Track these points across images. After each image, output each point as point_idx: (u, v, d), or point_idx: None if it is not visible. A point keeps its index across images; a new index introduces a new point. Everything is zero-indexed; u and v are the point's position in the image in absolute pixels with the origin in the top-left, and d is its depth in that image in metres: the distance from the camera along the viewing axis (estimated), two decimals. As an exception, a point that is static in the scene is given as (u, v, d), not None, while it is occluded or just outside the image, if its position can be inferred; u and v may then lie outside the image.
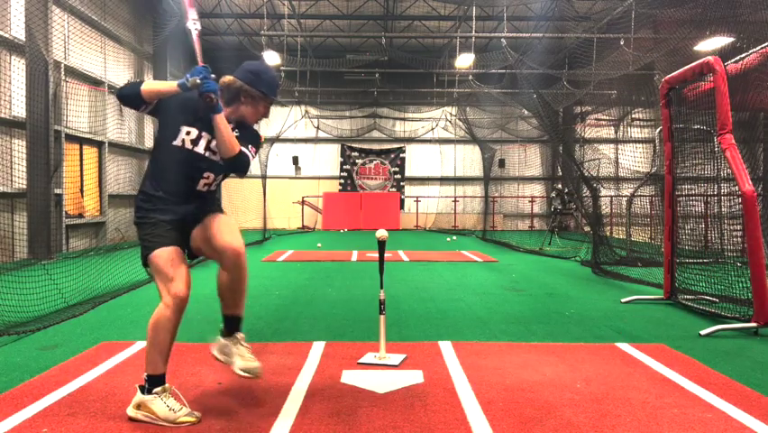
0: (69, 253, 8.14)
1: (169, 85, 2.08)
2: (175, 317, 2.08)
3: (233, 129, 2.18)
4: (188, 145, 2.17)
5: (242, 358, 2.25)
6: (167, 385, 2.11)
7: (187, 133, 2.16)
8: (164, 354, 2.10)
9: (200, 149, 2.19)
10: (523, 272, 6.62)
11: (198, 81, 2.00)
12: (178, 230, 2.19)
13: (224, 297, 2.27)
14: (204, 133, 2.18)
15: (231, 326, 2.32)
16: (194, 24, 2.15)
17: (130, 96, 2.10)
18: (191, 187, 2.22)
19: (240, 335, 2.32)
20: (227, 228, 2.21)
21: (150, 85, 2.10)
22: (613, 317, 3.99)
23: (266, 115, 2.32)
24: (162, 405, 2.06)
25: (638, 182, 7.56)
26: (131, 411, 2.10)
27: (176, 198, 2.19)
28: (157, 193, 2.19)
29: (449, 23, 13.55)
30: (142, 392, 2.10)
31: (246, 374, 2.23)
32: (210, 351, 2.41)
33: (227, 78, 2.23)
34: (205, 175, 2.22)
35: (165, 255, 2.10)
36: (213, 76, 2.04)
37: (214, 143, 2.18)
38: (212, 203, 2.32)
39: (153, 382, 2.09)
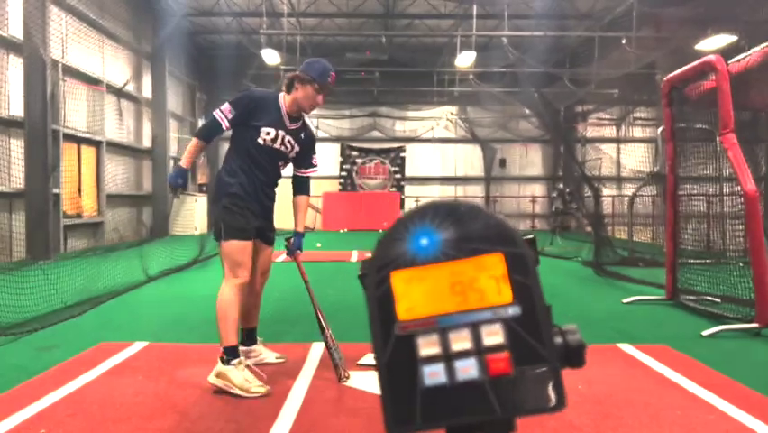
0: (68, 253, 8.11)
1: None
2: (239, 295, 2.43)
3: (298, 130, 2.65)
4: (269, 143, 2.58)
5: (270, 352, 2.79)
6: (242, 358, 2.39)
7: (267, 134, 2.56)
8: (235, 326, 2.40)
9: (278, 145, 2.61)
10: (523, 272, 6.59)
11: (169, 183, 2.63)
12: (255, 222, 2.55)
13: (250, 314, 2.69)
14: (280, 132, 2.59)
15: (253, 334, 2.76)
16: None
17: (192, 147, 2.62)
18: (275, 175, 2.66)
19: (260, 339, 2.80)
20: (270, 258, 2.78)
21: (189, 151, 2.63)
22: (615, 317, 3.97)
23: (320, 101, 2.65)
24: (239, 375, 2.32)
25: (640, 182, 7.53)
26: (212, 379, 2.34)
27: (259, 188, 2.57)
28: (247, 185, 2.53)
29: (449, 21, 13.51)
30: (222, 363, 2.33)
31: (281, 360, 2.77)
32: (246, 364, 2.52)
33: (290, 73, 2.70)
34: (280, 163, 2.66)
35: (240, 247, 2.45)
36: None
37: (287, 139, 2.62)
38: (273, 226, 2.75)
39: (230, 353, 2.35)
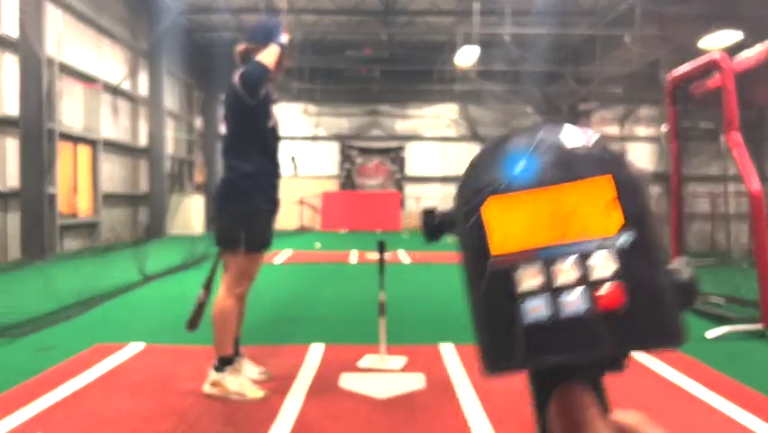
0: (63, 253, 8.05)
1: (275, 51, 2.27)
2: (239, 306, 2.35)
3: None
4: (273, 124, 2.38)
5: (254, 366, 2.60)
6: (236, 365, 2.33)
7: (274, 114, 2.38)
8: (231, 337, 2.32)
9: (273, 123, 2.39)
10: (524, 272, 6.56)
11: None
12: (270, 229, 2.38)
13: (239, 324, 2.51)
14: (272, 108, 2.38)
15: (237, 346, 2.54)
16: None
17: (264, 78, 2.23)
18: (277, 156, 2.42)
19: (241, 350, 2.59)
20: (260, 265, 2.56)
21: (269, 60, 2.24)
22: (617, 318, 3.94)
23: (287, 63, 2.39)
24: (234, 381, 2.28)
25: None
26: (207, 388, 2.30)
27: (275, 177, 2.37)
28: (262, 180, 2.31)
29: (450, 18, 13.44)
30: (217, 371, 2.30)
31: (264, 376, 2.55)
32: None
33: (237, 47, 2.38)
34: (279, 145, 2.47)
35: (258, 260, 2.35)
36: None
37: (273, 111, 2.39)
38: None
39: (224, 361, 2.30)
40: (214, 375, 2.30)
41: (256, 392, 2.29)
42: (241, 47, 2.35)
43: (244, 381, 2.32)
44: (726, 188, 4.12)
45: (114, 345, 3.13)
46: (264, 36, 2.30)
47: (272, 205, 2.37)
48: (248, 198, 2.24)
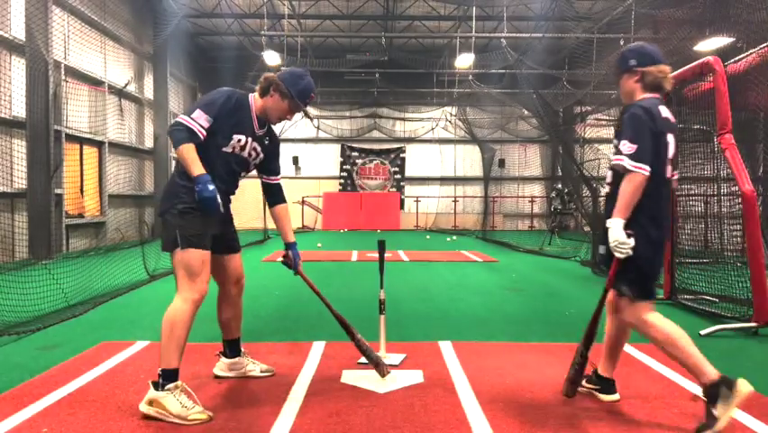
0: (70, 252, 8.13)
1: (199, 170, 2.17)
2: (193, 313, 2.17)
3: (263, 136, 2.43)
4: (238, 150, 2.34)
5: (256, 364, 2.61)
6: (179, 382, 2.11)
7: (238, 141, 2.32)
8: (180, 348, 2.13)
9: (245, 153, 2.38)
10: (523, 272, 6.61)
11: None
12: (214, 230, 2.30)
13: (229, 325, 2.52)
14: (249, 139, 2.36)
15: (235, 347, 2.57)
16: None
17: (172, 138, 2.23)
18: (233, 185, 2.40)
19: (244, 350, 2.61)
20: (241, 265, 2.53)
21: (189, 155, 2.18)
22: (613, 317, 4.00)
23: (289, 116, 2.43)
24: (175, 402, 2.06)
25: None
26: (143, 407, 2.10)
27: (224, 199, 2.30)
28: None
29: (449, 23, 13.54)
30: (156, 388, 2.09)
31: (268, 373, 2.60)
32: (215, 373, 2.58)
33: (269, 74, 2.40)
34: (242, 174, 2.43)
35: (200, 256, 2.19)
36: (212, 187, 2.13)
37: (252, 147, 2.39)
38: (235, 233, 2.52)
39: (167, 376, 2.10)
40: (152, 393, 2.08)
41: (199, 414, 2.06)
42: (270, 77, 2.34)
43: (186, 400, 2.07)
44: (719, 189, 4.17)
45: (119, 342, 3.18)
46: (291, 87, 2.31)
47: (214, 226, 2.26)
48: (181, 198, 2.18)
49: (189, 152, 2.16)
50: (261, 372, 2.58)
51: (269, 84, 2.33)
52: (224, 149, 2.29)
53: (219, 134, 2.26)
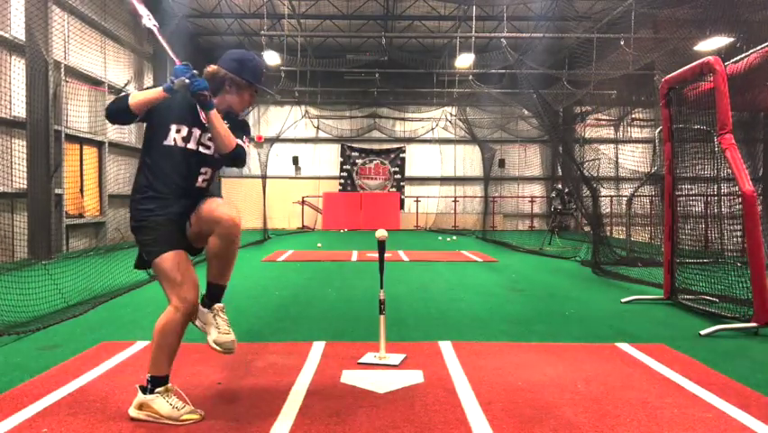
0: (69, 252, 8.13)
1: (156, 92, 2.03)
2: (184, 321, 2.08)
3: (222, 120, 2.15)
4: (180, 143, 2.13)
5: (218, 330, 2.17)
6: (169, 385, 2.11)
7: (177, 132, 2.12)
8: (171, 356, 2.10)
9: (192, 145, 2.15)
10: (523, 272, 6.61)
11: (187, 81, 1.98)
12: (179, 230, 2.14)
13: (211, 264, 2.18)
14: (194, 129, 2.15)
15: (213, 295, 2.22)
16: (150, 21, 2.12)
17: (119, 112, 2.05)
18: (190, 184, 2.17)
19: (219, 306, 2.22)
20: (224, 204, 2.17)
21: (137, 97, 2.04)
22: (613, 317, 3.99)
23: (251, 102, 2.31)
24: (165, 403, 2.06)
25: (638, 182, 7.56)
26: (133, 412, 2.09)
27: (175, 196, 2.14)
28: (156, 194, 2.13)
29: (449, 22, 13.55)
30: (144, 392, 2.09)
31: (218, 348, 2.16)
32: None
33: (211, 68, 2.21)
34: (203, 171, 2.19)
35: (171, 259, 2.06)
36: (195, 72, 2.01)
37: (205, 138, 2.16)
38: (209, 194, 2.28)
39: (156, 382, 2.09)
40: (141, 397, 2.09)
41: (191, 414, 2.07)
42: (216, 71, 2.20)
43: (175, 401, 2.07)
44: (719, 189, 4.17)
45: (119, 343, 3.18)
46: (245, 75, 2.17)
47: (171, 215, 2.11)
48: (132, 216, 2.16)
49: (135, 96, 2.02)
50: (213, 342, 2.16)
51: (222, 81, 2.18)
52: (165, 143, 2.11)
53: (158, 127, 2.12)
